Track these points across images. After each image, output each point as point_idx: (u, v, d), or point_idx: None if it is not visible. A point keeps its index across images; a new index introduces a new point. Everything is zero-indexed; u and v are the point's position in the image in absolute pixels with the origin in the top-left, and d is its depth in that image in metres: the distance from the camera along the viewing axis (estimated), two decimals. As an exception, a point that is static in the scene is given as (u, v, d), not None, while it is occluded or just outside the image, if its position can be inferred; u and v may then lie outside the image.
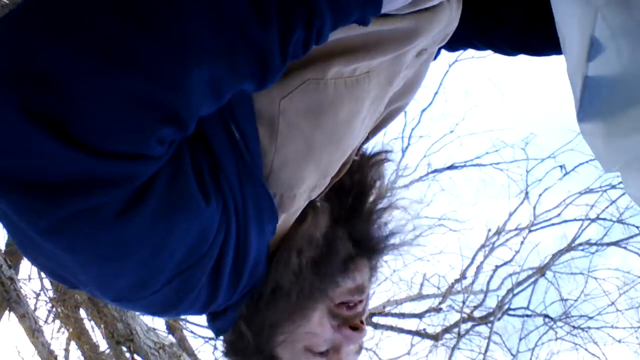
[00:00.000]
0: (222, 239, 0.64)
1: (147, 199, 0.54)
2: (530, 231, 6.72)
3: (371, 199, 0.85)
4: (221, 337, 0.84)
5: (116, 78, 0.47)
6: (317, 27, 0.54)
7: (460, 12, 0.80)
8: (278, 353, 0.80)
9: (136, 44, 0.47)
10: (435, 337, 6.25)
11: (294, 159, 0.69)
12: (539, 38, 0.88)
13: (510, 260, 6.65)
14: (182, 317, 4.60)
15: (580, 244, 6.76)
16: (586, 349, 6.50)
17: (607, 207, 6.59)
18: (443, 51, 0.97)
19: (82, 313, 3.72)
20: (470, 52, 1.03)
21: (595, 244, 6.74)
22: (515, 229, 6.79)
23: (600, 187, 6.58)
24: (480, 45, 0.98)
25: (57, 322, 3.76)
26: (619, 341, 6.48)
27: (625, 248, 6.64)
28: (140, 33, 0.47)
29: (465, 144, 8.12)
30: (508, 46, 0.94)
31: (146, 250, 0.57)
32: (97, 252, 0.55)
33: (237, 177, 0.65)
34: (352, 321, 0.80)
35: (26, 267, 3.83)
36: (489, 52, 1.00)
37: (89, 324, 3.74)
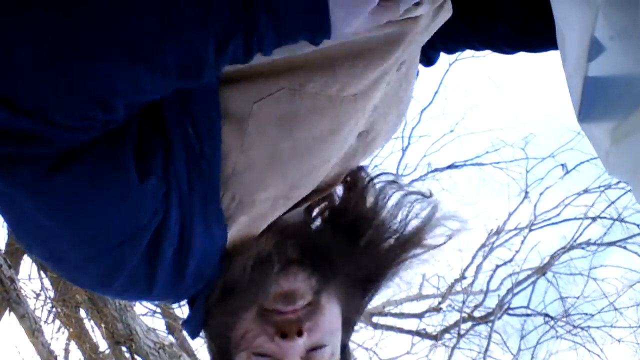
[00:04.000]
0: (158, 224, 0.64)
1: (72, 164, 0.57)
2: (530, 231, 6.72)
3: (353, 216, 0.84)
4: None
5: (48, 60, 0.50)
6: (256, 43, 0.55)
7: (440, 21, 0.79)
8: None
9: (71, 28, 0.50)
10: (435, 337, 6.25)
11: (258, 164, 0.69)
12: (538, 35, 0.87)
13: (510, 260, 6.65)
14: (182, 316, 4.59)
15: (580, 244, 6.76)
16: (586, 348, 6.51)
17: (607, 207, 6.60)
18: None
19: (82, 313, 3.72)
20: (470, 51, 1.03)
21: (595, 243, 6.74)
22: (515, 229, 6.79)
23: (600, 186, 6.58)
24: (478, 45, 0.97)
25: (57, 322, 3.76)
26: (619, 340, 6.49)
27: (625, 248, 6.64)
28: (72, 18, 0.50)
29: (465, 143, 8.10)
30: (506, 44, 0.93)
31: (67, 215, 0.60)
32: (19, 210, 0.60)
33: (186, 171, 0.65)
34: (284, 328, 0.76)
35: (26, 267, 3.83)
36: (489, 51, 0.99)
37: (89, 324, 3.74)
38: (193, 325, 0.83)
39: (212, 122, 0.65)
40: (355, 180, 0.85)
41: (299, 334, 0.76)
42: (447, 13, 0.79)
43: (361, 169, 0.87)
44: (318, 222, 0.87)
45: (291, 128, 0.68)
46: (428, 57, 0.98)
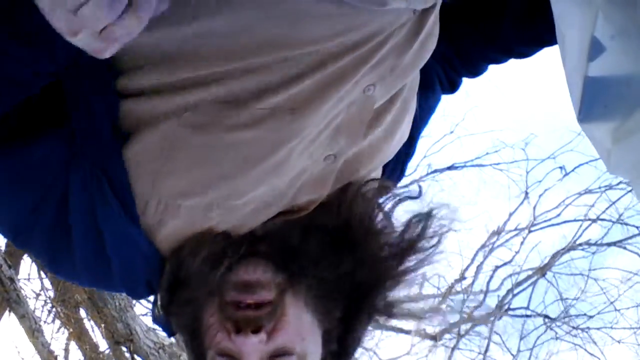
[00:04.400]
0: (56, 204, 0.69)
1: None
2: (530, 231, 6.72)
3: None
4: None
5: None
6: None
7: (427, 45, 0.77)
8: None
9: None
10: (435, 337, 6.25)
11: (179, 170, 0.70)
12: (548, 27, 0.86)
13: (510, 261, 6.66)
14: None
15: (580, 244, 6.76)
16: (585, 349, 6.51)
17: (607, 208, 6.60)
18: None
19: (82, 313, 3.72)
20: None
21: (595, 244, 6.74)
22: (515, 229, 6.80)
23: (600, 187, 6.58)
24: (498, 56, 0.95)
25: (57, 322, 3.76)
26: (619, 341, 6.49)
27: (625, 248, 6.65)
28: None
29: (466, 145, 8.10)
30: (521, 44, 0.92)
31: None
32: None
33: (89, 175, 0.68)
34: (240, 323, 0.74)
35: (26, 267, 3.83)
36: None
37: (89, 324, 3.74)
38: (162, 325, 0.84)
39: (111, 145, 0.68)
40: (344, 193, 0.82)
41: (255, 331, 0.73)
42: (432, 37, 0.77)
43: (350, 183, 0.83)
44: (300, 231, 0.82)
45: (213, 140, 0.68)
46: (451, 82, 0.96)
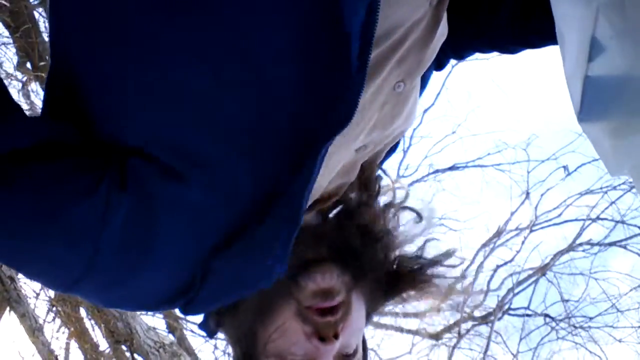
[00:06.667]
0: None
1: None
2: (531, 231, 6.72)
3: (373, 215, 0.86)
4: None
5: None
6: None
7: (440, 35, 0.78)
8: None
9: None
10: (436, 337, 6.25)
11: None
12: (537, 31, 0.87)
13: (511, 260, 6.65)
14: (182, 316, 4.59)
15: (581, 244, 6.76)
16: (587, 349, 6.51)
17: (607, 208, 6.60)
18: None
19: (83, 312, 3.72)
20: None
21: (596, 244, 6.74)
22: (516, 229, 6.79)
23: (601, 187, 6.58)
24: (484, 48, 0.97)
25: (58, 321, 3.77)
26: (620, 341, 6.49)
27: (626, 248, 6.64)
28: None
29: (467, 145, 8.10)
30: (508, 43, 0.94)
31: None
32: None
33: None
34: (322, 331, 0.77)
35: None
36: (495, 53, 0.99)
37: (89, 324, 3.75)
38: (207, 327, 0.85)
39: None
40: (368, 184, 0.86)
41: (336, 336, 0.77)
42: (445, 29, 0.78)
43: (371, 175, 0.87)
44: (339, 222, 0.87)
45: None
46: (439, 62, 0.98)
